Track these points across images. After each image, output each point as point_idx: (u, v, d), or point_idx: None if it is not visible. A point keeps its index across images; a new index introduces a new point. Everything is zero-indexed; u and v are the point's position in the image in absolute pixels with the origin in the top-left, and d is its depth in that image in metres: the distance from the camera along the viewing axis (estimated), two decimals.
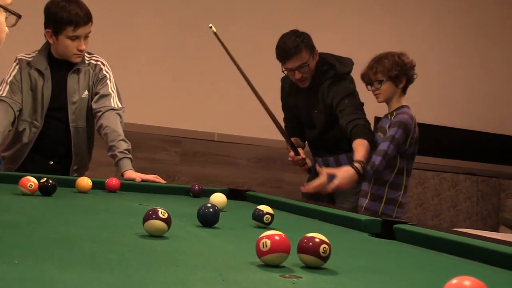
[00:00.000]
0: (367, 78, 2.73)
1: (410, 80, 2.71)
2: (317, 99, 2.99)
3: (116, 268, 0.92)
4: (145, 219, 1.27)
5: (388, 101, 2.73)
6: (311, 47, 2.91)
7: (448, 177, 5.24)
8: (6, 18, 1.24)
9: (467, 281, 0.74)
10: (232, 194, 2.59)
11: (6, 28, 1.25)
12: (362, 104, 2.91)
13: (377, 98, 2.74)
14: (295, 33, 2.90)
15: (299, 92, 3.05)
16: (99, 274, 0.86)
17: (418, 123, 5.24)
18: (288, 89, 3.13)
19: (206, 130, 4.72)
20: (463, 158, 5.58)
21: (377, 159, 2.59)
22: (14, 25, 1.26)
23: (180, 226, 1.44)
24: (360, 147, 2.68)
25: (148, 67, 4.56)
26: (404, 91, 2.73)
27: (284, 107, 3.26)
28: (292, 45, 2.85)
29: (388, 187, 2.69)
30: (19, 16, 1.26)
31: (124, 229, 1.38)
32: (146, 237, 1.26)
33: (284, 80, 3.18)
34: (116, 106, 2.84)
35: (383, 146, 2.61)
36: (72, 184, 2.31)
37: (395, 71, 2.66)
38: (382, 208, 2.67)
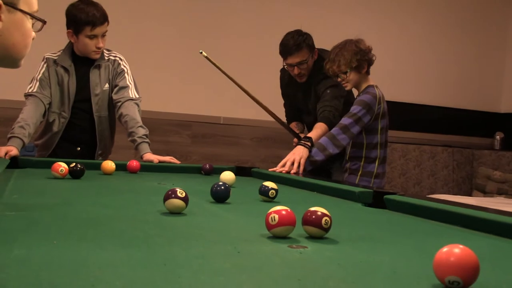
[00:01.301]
0: (332, 71, 2.65)
1: (370, 63, 2.65)
2: (311, 93, 2.97)
3: (142, 245, 0.91)
4: (166, 198, 1.26)
5: (356, 86, 2.68)
6: (311, 47, 2.88)
7: (427, 149, 5.23)
8: (32, 24, 1.22)
9: (457, 248, 0.73)
10: (238, 171, 2.59)
11: (33, 33, 1.22)
12: (343, 96, 2.86)
13: (346, 87, 2.67)
14: (298, 32, 2.86)
15: (296, 85, 3.02)
16: (128, 251, 0.85)
17: (400, 102, 5.22)
18: (288, 80, 3.10)
19: (213, 114, 4.70)
20: (441, 132, 5.57)
21: (334, 130, 2.55)
22: (40, 30, 1.24)
23: (195, 203, 1.43)
24: (317, 128, 2.70)
25: (161, 61, 4.52)
26: (368, 72, 2.67)
27: (284, 95, 3.24)
28: (294, 43, 2.82)
29: (364, 161, 2.66)
30: (44, 22, 1.24)
31: (146, 207, 1.37)
32: (167, 214, 1.25)
33: (283, 71, 3.15)
34: (133, 97, 2.83)
35: (343, 120, 2.57)
36: (98, 167, 2.31)
37: (356, 61, 2.59)
38: (358, 179, 2.65)
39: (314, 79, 2.92)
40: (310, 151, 2.54)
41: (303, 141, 2.61)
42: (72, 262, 0.76)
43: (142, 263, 0.78)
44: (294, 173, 2.43)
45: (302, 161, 2.49)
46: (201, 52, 2.53)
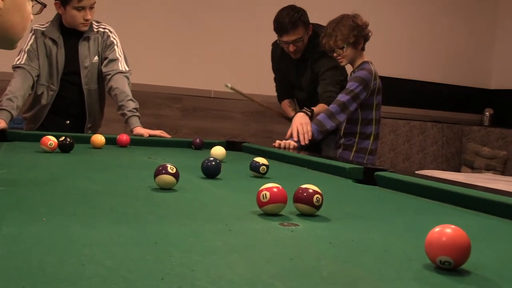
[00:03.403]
0: (328, 46, 2.62)
1: (366, 39, 2.63)
2: (306, 68, 2.93)
3: (133, 222, 0.91)
4: (156, 174, 1.25)
5: (351, 63, 2.66)
6: (306, 23, 2.83)
7: (417, 124, 5.24)
8: (32, 6, 1.18)
9: (448, 229, 0.73)
10: (229, 146, 2.58)
11: (32, 15, 1.19)
12: (343, 80, 2.85)
13: (341, 62, 2.64)
14: (293, 9, 2.80)
15: (290, 60, 2.98)
16: (118, 229, 0.84)
17: (391, 78, 5.20)
18: (280, 55, 3.05)
19: (204, 88, 4.65)
20: (430, 108, 5.58)
21: (332, 107, 2.54)
22: (38, 13, 1.21)
23: (186, 178, 1.42)
24: (319, 106, 2.69)
25: (150, 33, 4.45)
26: (363, 48, 2.65)
27: (275, 69, 3.20)
28: (289, 21, 2.76)
29: (358, 138, 2.66)
30: (44, 5, 1.20)
31: (137, 183, 1.36)
32: (158, 190, 1.24)
33: (275, 45, 3.10)
34: (123, 69, 2.80)
35: (341, 97, 2.55)
36: (87, 141, 2.28)
37: (353, 36, 2.57)
38: (352, 156, 2.65)
39: (310, 56, 2.88)
40: (310, 118, 2.55)
41: (304, 109, 2.60)
42: (62, 240, 0.75)
43: (133, 242, 0.77)
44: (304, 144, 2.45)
45: (309, 128, 2.49)
46: (227, 85, 2.47)
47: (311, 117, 2.56)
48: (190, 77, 4.60)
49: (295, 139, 2.46)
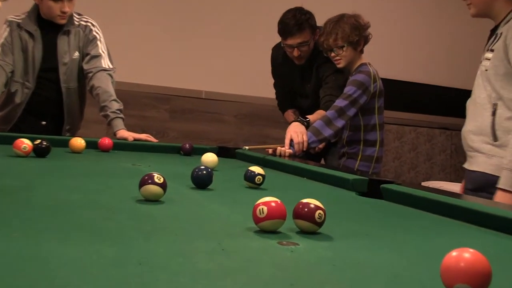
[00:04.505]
0: (326, 45, 2.60)
1: (366, 41, 2.63)
2: (311, 75, 2.92)
3: (115, 239, 0.88)
4: (141, 184, 1.23)
5: (349, 65, 2.64)
6: (313, 27, 2.81)
7: (424, 131, 5.25)
8: None
9: (467, 253, 0.71)
10: (221, 152, 2.56)
11: (0, 3, 1.16)
12: (345, 85, 2.84)
13: (338, 64, 2.62)
14: (300, 11, 2.78)
15: (293, 66, 2.96)
16: (99, 246, 0.82)
17: (395, 80, 5.20)
18: (282, 60, 3.02)
19: (194, 88, 4.64)
20: (438, 113, 5.58)
21: (330, 113, 2.52)
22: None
23: (174, 188, 1.40)
24: (316, 113, 2.68)
25: (137, 27, 4.43)
26: (362, 51, 2.64)
27: (276, 75, 3.18)
28: (295, 23, 2.74)
29: (363, 145, 2.65)
30: None
31: (120, 193, 1.34)
32: (143, 202, 1.22)
33: (276, 50, 3.08)
34: (107, 67, 2.77)
35: (338, 102, 2.53)
36: (65, 144, 2.26)
37: (355, 36, 2.56)
38: (357, 165, 2.64)
39: (315, 62, 2.86)
40: (306, 128, 2.54)
41: (300, 118, 2.59)
42: (34, 260, 0.72)
43: (114, 262, 0.75)
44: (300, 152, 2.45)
45: (305, 137, 2.47)
46: (245, 148, 2.45)
47: (307, 127, 2.55)
48: (179, 75, 4.58)
49: (287, 147, 2.45)
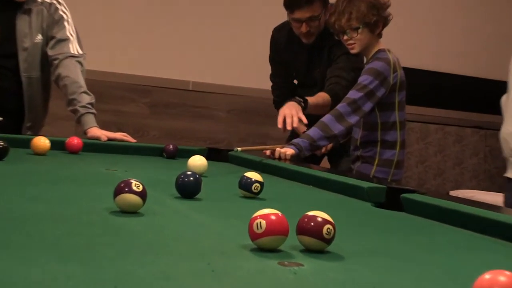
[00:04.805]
0: (338, 26, 2.60)
1: (386, 23, 2.63)
2: (321, 59, 2.95)
3: (86, 258, 0.89)
4: (117, 193, 1.23)
5: (364, 51, 2.64)
6: (325, 1, 2.85)
7: (452, 131, 5.27)
8: None
9: (502, 276, 0.72)
10: (212, 155, 2.57)
11: None
12: (360, 68, 2.85)
13: (351, 49, 2.62)
14: None
15: (299, 48, 2.99)
16: (66, 266, 0.83)
17: (418, 70, 5.21)
18: (286, 43, 3.06)
19: (179, 78, 4.65)
20: (470, 110, 5.59)
21: (341, 106, 2.52)
22: None
23: (156, 198, 1.41)
24: (318, 96, 2.74)
25: (111, 6, 4.44)
26: (380, 35, 2.64)
27: (276, 62, 3.20)
28: None
29: (380, 147, 2.65)
30: None
31: (91, 203, 1.35)
32: (118, 213, 1.23)
33: (277, 31, 3.11)
34: (75, 53, 2.78)
35: (352, 94, 2.53)
36: (26, 144, 2.27)
37: (372, 16, 2.56)
38: (374, 170, 2.63)
39: (327, 42, 2.89)
40: (303, 109, 2.57)
41: (297, 97, 2.61)
42: None
43: (85, 285, 0.75)
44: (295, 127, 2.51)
45: (301, 114, 2.51)
46: (237, 150, 2.48)
47: (304, 108, 2.58)
48: (162, 63, 4.60)
49: (280, 126, 2.48)
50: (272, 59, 3.20)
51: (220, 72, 4.72)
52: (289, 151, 2.41)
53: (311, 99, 2.66)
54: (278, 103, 3.20)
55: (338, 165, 3.03)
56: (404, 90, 2.66)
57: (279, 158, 2.40)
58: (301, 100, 2.62)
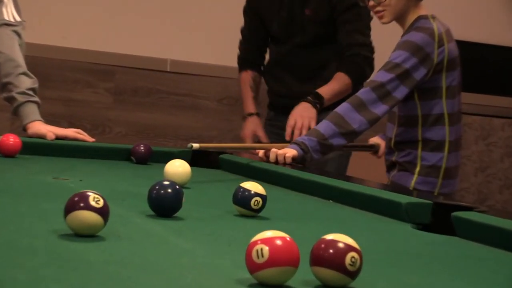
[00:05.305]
0: None
1: None
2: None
3: None
4: (69, 209, 1.24)
5: (399, 20, 2.65)
6: None
7: None
8: None
9: None
10: (196, 158, 2.58)
11: None
12: (370, 19, 2.93)
13: (381, 18, 2.62)
14: None
15: None
16: None
17: (480, 44, 5.22)
18: None
19: (153, 55, 4.66)
20: None
21: (364, 92, 2.53)
22: None
23: (121, 216, 1.43)
24: (334, 81, 2.82)
25: None
26: None
27: (252, 10, 3.29)
28: None
29: (422, 149, 2.64)
30: None
31: (33, 224, 1.36)
32: (71, 237, 1.23)
33: None
34: (11, 20, 2.79)
35: (379, 76, 2.55)
36: None
37: None
38: (414, 181, 2.63)
39: None
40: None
41: (310, 97, 2.64)
42: None
43: None
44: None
45: (313, 124, 2.60)
46: (191, 146, 2.50)
47: (320, 109, 2.61)
48: (129, 37, 4.60)
49: (288, 138, 2.52)
50: (246, 8, 3.32)
51: (207, 47, 4.73)
52: (290, 152, 2.41)
53: (325, 91, 2.67)
54: (241, 62, 3.40)
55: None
56: (456, 71, 2.66)
57: (276, 162, 2.39)
58: (317, 101, 2.63)
